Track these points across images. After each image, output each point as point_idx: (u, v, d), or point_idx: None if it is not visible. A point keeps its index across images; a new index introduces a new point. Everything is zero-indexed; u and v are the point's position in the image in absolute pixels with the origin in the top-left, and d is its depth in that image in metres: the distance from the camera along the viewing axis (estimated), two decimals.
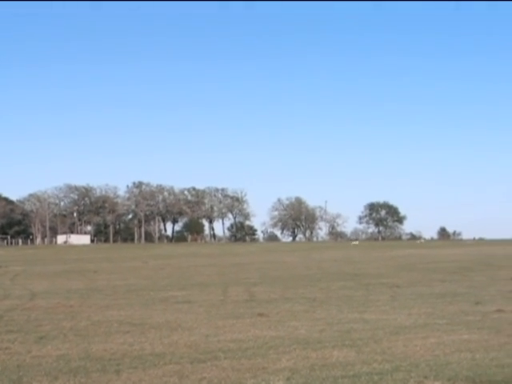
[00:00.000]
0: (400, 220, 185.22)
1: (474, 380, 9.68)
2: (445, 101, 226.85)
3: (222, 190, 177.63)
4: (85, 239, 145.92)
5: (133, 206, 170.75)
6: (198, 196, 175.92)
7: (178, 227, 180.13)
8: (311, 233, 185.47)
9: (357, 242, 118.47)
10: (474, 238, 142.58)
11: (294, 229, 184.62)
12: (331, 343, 12.85)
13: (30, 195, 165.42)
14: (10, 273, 41.25)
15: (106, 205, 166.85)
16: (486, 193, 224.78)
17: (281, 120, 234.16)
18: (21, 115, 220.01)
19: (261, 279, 32.43)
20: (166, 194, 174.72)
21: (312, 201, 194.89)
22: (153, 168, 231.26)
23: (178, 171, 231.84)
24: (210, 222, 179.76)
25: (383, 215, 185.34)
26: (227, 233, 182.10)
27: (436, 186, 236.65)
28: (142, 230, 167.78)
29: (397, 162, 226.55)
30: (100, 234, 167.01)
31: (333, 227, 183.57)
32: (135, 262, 54.54)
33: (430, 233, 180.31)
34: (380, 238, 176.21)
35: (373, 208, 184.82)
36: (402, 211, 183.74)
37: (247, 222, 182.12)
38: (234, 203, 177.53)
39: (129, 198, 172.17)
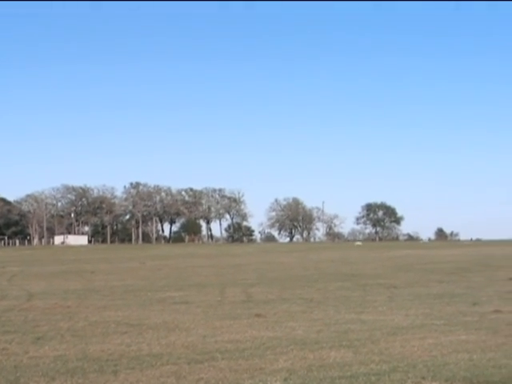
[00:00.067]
0: (397, 221, 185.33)
1: (472, 381, 9.68)
2: (443, 101, 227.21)
3: (220, 190, 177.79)
4: (82, 240, 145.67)
5: (130, 207, 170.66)
6: (196, 197, 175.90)
7: (175, 228, 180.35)
8: (308, 233, 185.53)
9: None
10: (472, 239, 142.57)
11: (291, 229, 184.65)
12: (328, 344, 12.85)
13: (28, 196, 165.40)
14: (8, 273, 41.21)
15: (104, 205, 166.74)
16: (484, 193, 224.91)
17: (278, 120, 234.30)
18: (18, 115, 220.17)
19: (258, 280, 32.43)
20: (163, 194, 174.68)
21: (309, 201, 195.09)
22: (150, 168, 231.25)
23: (175, 172, 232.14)
24: (208, 222, 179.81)
25: (380, 216, 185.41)
26: (224, 233, 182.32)
27: (433, 186, 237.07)
28: (140, 230, 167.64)
29: (394, 162, 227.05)
30: (97, 235, 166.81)
31: (330, 228, 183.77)
32: (132, 263, 54.52)
33: (427, 233, 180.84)
34: (377, 238, 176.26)
35: (370, 209, 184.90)
36: (400, 212, 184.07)
37: (244, 223, 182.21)
38: (232, 204, 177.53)
39: (126, 199, 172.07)
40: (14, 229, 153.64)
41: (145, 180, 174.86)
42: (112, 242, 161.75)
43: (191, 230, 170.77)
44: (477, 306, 19.46)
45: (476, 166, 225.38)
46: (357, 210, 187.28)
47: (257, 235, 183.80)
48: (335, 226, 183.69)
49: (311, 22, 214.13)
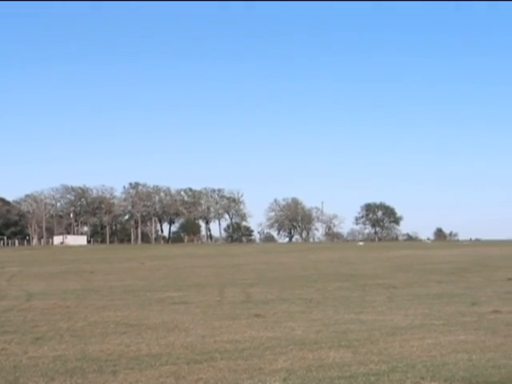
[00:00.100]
0: (396, 221, 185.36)
1: (471, 381, 9.68)
2: (442, 101, 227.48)
3: (219, 190, 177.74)
4: (81, 240, 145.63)
5: (129, 207, 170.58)
6: (195, 197, 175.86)
7: (174, 228, 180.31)
8: (308, 234, 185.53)
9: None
10: (471, 239, 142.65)
11: (290, 230, 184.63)
12: (328, 344, 12.85)
13: (27, 196, 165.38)
14: (7, 274, 41.21)
15: (103, 205, 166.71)
16: (483, 194, 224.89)
17: (278, 121, 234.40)
18: (17, 115, 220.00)
19: (257, 280, 32.44)
20: (162, 194, 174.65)
21: (308, 201, 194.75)
22: (149, 169, 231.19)
23: (174, 172, 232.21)
24: (207, 222, 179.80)
25: (380, 216, 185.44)
26: (224, 233, 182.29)
27: (432, 186, 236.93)
28: (139, 230, 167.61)
29: (393, 162, 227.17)
30: (96, 235, 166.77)
31: (329, 228, 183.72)
32: (132, 263, 54.52)
33: (426, 233, 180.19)
34: (376, 238, 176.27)
35: (369, 209, 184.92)
36: (399, 212, 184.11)
37: (244, 223, 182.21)
38: (231, 204, 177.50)
39: (125, 199, 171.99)
40: (13, 229, 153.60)
41: (144, 180, 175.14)
42: (111, 242, 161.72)
43: (190, 230, 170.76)
44: (476, 307, 19.47)
45: (475, 166, 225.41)
46: (356, 210, 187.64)
47: (256, 235, 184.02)
48: (334, 226, 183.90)
49: (311, 21, 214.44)
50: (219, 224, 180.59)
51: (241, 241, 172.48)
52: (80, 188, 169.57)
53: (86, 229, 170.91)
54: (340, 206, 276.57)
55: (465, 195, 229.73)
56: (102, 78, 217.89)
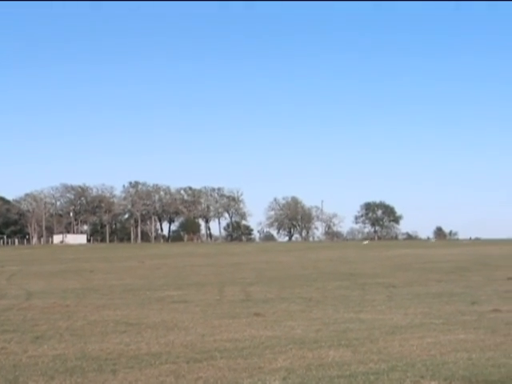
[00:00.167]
0: (396, 220, 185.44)
1: (471, 380, 9.68)
2: (442, 101, 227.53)
3: (219, 189, 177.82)
4: (81, 239, 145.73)
5: (129, 206, 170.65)
6: (195, 196, 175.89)
7: (174, 227, 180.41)
8: (307, 232, 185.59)
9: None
10: (470, 238, 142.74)
11: (290, 228, 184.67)
12: (327, 343, 12.85)
13: (26, 195, 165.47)
14: (6, 272, 41.21)
15: (102, 204, 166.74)
16: (483, 193, 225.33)
17: (277, 120, 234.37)
18: (17, 115, 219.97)
19: (257, 279, 32.43)
20: (162, 193, 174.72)
21: (308, 200, 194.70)
22: (149, 168, 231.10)
23: (174, 171, 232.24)
24: (207, 221, 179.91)
25: (379, 215, 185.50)
26: (223, 232, 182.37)
27: (432, 185, 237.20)
28: (139, 229, 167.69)
29: (393, 161, 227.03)
30: (96, 234, 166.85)
31: (329, 227, 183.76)
32: (131, 262, 54.52)
33: (426, 233, 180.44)
34: (376, 237, 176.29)
35: (369, 208, 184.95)
36: (399, 211, 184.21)
37: (243, 222, 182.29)
38: (231, 203, 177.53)
39: (125, 198, 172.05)
40: (12, 228, 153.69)
41: (144, 179, 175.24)
42: (111, 241, 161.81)
43: (190, 229, 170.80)
44: (476, 306, 19.46)
45: (475, 166, 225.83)
46: (356, 209, 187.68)
47: (256, 234, 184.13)
48: (334, 225, 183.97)
49: (311, 21, 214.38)
50: (219, 223, 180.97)
51: (240, 240, 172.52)
52: (80, 187, 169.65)
53: (85, 228, 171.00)
54: (340, 204, 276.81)
55: (464, 194, 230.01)
56: (101, 78, 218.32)
